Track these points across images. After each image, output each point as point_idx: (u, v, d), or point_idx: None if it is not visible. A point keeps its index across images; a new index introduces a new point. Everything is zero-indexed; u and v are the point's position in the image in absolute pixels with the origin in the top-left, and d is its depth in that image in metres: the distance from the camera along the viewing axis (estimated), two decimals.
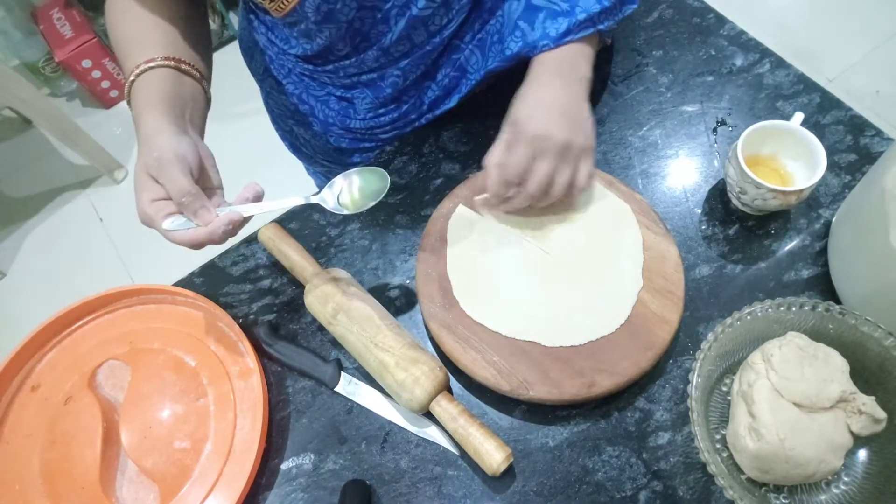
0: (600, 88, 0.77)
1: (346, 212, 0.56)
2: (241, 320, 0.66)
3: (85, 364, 0.63)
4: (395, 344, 0.57)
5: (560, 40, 0.61)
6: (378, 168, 0.57)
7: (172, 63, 0.57)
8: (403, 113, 0.74)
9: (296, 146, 0.89)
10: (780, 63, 0.76)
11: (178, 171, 0.50)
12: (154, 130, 0.52)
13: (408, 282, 0.66)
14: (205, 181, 0.54)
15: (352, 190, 0.56)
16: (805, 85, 0.74)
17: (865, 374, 0.51)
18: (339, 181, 0.57)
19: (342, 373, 0.61)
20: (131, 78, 0.56)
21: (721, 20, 0.81)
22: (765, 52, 0.77)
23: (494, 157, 0.58)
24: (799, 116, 0.64)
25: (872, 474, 0.51)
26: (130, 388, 0.61)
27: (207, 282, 0.69)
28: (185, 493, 0.56)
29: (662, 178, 0.70)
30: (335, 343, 0.63)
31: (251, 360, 0.61)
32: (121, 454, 0.59)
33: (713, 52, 0.78)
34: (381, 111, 0.74)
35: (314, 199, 0.55)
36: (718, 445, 0.53)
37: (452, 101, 0.73)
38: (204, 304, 0.64)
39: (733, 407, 0.53)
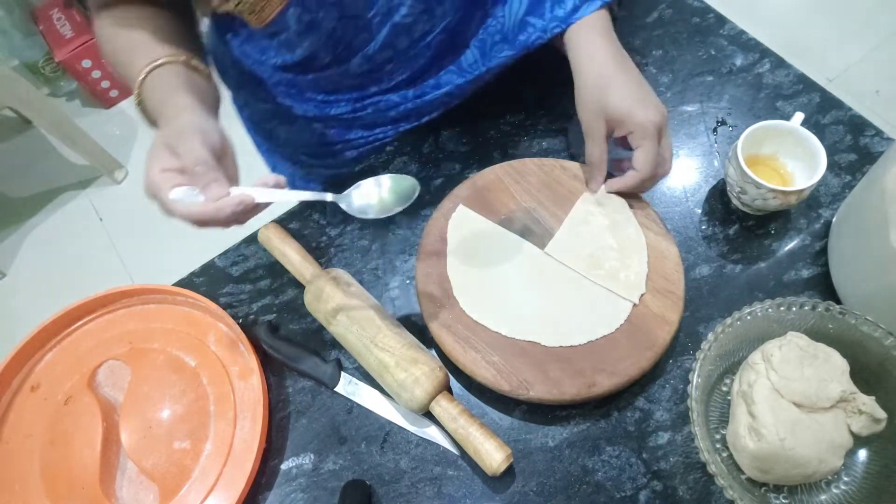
0: None
1: (370, 215, 0.52)
2: (241, 320, 0.66)
3: (84, 364, 0.63)
4: (395, 344, 0.57)
5: (570, 18, 0.61)
6: (407, 176, 0.53)
7: (182, 59, 0.57)
8: (388, 100, 0.73)
9: (273, 149, 0.87)
10: (780, 63, 0.76)
11: (198, 141, 0.48)
12: (180, 109, 0.51)
13: (408, 282, 0.66)
14: (224, 169, 0.51)
15: (381, 192, 0.53)
16: (805, 85, 0.74)
17: (865, 374, 0.51)
18: (366, 182, 0.53)
19: (342, 373, 0.61)
20: (142, 76, 0.55)
21: (721, 20, 0.81)
22: (765, 52, 0.77)
23: (649, 164, 0.59)
24: (799, 116, 0.64)
25: (872, 474, 0.51)
26: (130, 388, 0.61)
27: (207, 282, 0.69)
28: (185, 493, 0.56)
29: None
30: (335, 343, 0.63)
31: (251, 360, 0.61)
32: (121, 454, 0.59)
33: (713, 52, 0.78)
34: (367, 101, 0.73)
35: (334, 198, 0.52)
36: (718, 445, 0.53)
37: (441, 90, 0.71)
38: (204, 304, 0.64)
39: (733, 407, 0.53)
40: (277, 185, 0.50)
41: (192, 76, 0.57)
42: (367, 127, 0.77)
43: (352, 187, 0.52)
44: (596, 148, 0.62)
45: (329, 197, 0.52)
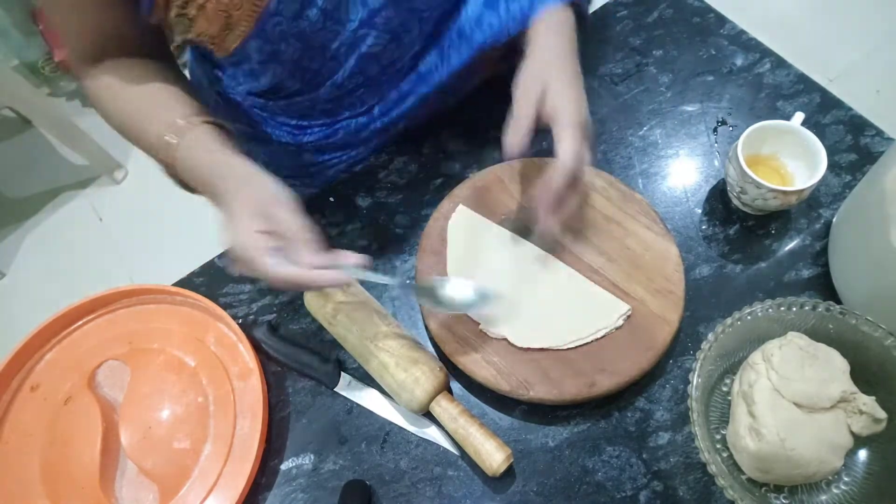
0: (600, 88, 0.77)
1: (444, 310, 0.57)
2: (240, 320, 0.66)
3: (84, 364, 0.63)
4: (395, 344, 0.57)
5: (527, 13, 0.59)
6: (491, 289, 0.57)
7: (215, 121, 0.56)
8: (357, 122, 0.72)
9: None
10: (780, 63, 0.76)
11: (291, 209, 0.49)
12: (252, 171, 0.52)
13: (408, 282, 0.66)
14: None
15: (464, 291, 0.57)
16: (805, 85, 0.74)
17: (866, 374, 0.51)
18: (456, 280, 0.59)
19: (342, 373, 0.61)
20: (175, 138, 0.54)
21: (721, 20, 0.81)
22: (765, 52, 0.77)
23: (573, 152, 0.54)
24: (799, 116, 0.64)
25: (873, 474, 0.51)
26: (130, 389, 0.61)
27: (207, 282, 0.69)
28: (185, 493, 0.56)
29: (663, 177, 0.70)
30: (335, 343, 0.63)
31: (251, 360, 0.61)
32: (120, 454, 0.59)
33: (713, 52, 0.78)
34: (337, 126, 0.72)
35: (434, 281, 0.57)
36: (718, 445, 0.53)
37: (406, 103, 0.70)
38: (204, 304, 0.64)
39: (733, 407, 0.53)
40: (359, 265, 0.50)
41: (226, 137, 0.56)
42: (340, 148, 0.76)
43: (445, 280, 0.59)
44: (517, 131, 0.56)
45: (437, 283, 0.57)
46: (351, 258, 0.49)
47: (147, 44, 0.60)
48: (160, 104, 0.58)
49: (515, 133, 0.56)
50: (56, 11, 0.56)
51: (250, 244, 0.48)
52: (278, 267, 0.47)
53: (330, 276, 0.48)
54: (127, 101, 0.59)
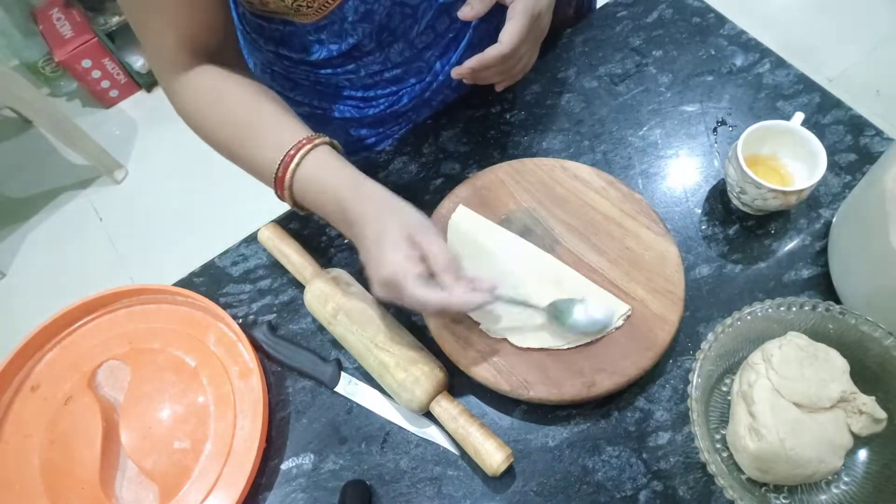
0: (600, 88, 0.77)
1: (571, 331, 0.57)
2: (241, 320, 0.66)
3: (84, 364, 0.63)
4: (395, 344, 0.57)
5: None
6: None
7: (328, 140, 0.56)
8: (421, 84, 0.73)
9: None
10: (780, 63, 0.76)
11: (441, 239, 0.51)
12: (389, 196, 0.52)
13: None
14: None
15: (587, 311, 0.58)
16: (805, 85, 0.74)
17: (866, 374, 0.51)
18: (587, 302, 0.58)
19: (342, 373, 0.61)
20: (297, 160, 0.53)
21: (721, 20, 0.81)
22: (765, 52, 0.77)
23: (515, 38, 0.57)
24: (799, 116, 0.64)
25: (872, 474, 0.51)
26: (130, 388, 0.61)
27: (207, 282, 0.69)
28: (185, 493, 0.56)
29: (662, 178, 0.70)
30: (335, 343, 0.63)
31: (251, 360, 0.61)
32: (121, 454, 0.59)
33: (713, 52, 0.78)
34: (401, 92, 0.73)
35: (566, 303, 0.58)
36: (718, 445, 0.53)
37: (460, 50, 0.71)
38: (204, 304, 0.64)
39: (733, 407, 0.53)
40: (494, 290, 0.52)
41: (341, 156, 0.56)
42: (401, 116, 0.76)
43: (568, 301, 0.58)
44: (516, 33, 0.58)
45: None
46: (486, 283, 0.51)
47: (231, 46, 0.60)
48: (270, 120, 0.57)
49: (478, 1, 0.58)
50: (141, 9, 0.54)
51: (399, 272, 0.48)
52: (430, 295, 0.48)
53: (477, 298, 0.50)
54: (230, 116, 0.57)
